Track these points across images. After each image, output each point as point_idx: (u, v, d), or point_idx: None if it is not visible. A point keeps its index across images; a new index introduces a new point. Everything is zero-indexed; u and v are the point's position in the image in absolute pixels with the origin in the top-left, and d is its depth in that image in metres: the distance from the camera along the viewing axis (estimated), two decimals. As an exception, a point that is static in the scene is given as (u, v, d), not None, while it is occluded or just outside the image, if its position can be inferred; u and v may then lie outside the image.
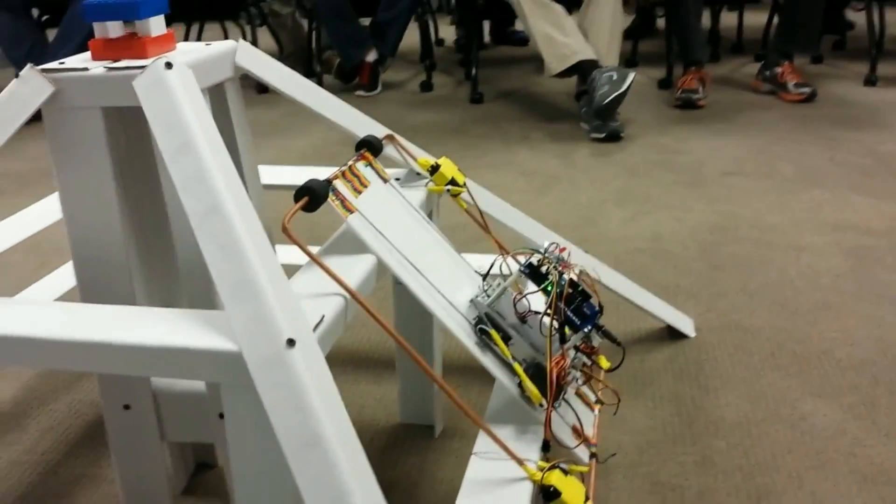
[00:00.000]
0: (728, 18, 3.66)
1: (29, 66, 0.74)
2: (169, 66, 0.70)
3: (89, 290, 0.82)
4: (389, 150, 0.92)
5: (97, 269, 0.81)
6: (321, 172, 0.77)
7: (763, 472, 0.97)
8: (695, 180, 2.01)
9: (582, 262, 1.12)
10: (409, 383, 1.08)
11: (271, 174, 1.07)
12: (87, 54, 0.79)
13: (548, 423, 0.73)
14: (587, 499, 0.69)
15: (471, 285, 0.81)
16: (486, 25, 4.09)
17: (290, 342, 0.60)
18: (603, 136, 2.37)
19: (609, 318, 1.32)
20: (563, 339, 0.74)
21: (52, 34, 2.96)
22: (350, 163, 0.80)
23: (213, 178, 0.66)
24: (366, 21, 3.24)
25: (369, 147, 0.84)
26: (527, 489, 0.68)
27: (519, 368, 0.74)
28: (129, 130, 0.79)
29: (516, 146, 2.37)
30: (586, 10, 2.59)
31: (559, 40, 2.50)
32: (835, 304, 1.36)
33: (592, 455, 0.78)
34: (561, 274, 0.75)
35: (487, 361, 0.76)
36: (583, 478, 0.71)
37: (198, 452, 1.02)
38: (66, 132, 0.76)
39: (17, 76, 0.74)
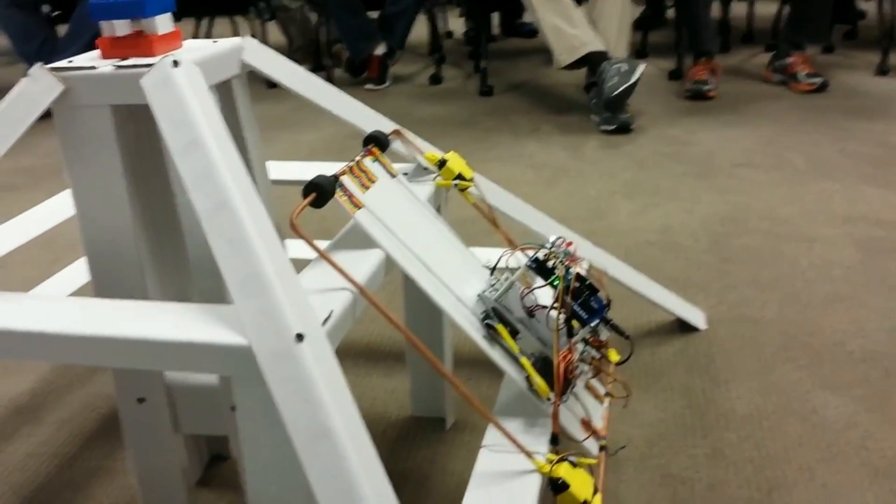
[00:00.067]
0: (738, 8, 3.63)
1: (38, 64, 0.74)
2: (176, 64, 0.71)
3: (102, 285, 0.83)
4: (397, 145, 0.92)
5: (110, 264, 0.82)
6: (330, 167, 0.78)
7: (774, 465, 0.97)
8: (705, 172, 2.00)
9: (590, 256, 1.13)
10: (420, 376, 1.08)
11: (280, 169, 1.08)
12: (96, 52, 0.79)
13: (556, 417, 0.73)
14: (596, 491, 0.69)
15: (479, 280, 0.81)
16: (496, 17, 4.09)
17: (299, 337, 0.61)
18: (612, 128, 2.36)
19: (619, 311, 1.32)
20: (570, 334, 0.74)
21: (62, 30, 2.98)
22: (357, 158, 0.80)
23: (221, 175, 0.66)
24: (374, 14, 3.24)
25: (376, 142, 0.84)
26: (535, 481, 0.68)
27: (526, 362, 0.74)
28: (138, 128, 0.79)
29: (525, 139, 2.36)
30: (595, 1, 2.58)
31: (568, 32, 2.50)
32: (846, 295, 1.35)
33: (602, 448, 0.79)
34: (568, 268, 0.75)
35: (495, 355, 0.76)
36: (592, 470, 0.71)
37: (212, 444, 1.03)
38: (76, 130, 0.77)
39: (26, 73, 0.75)
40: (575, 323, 0.74)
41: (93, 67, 0.75)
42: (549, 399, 0.74)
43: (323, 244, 0.82)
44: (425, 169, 0.95)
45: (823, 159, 2.04)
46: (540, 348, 0.76)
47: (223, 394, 0.85)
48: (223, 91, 0.83)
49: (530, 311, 0.76)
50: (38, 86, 0.74)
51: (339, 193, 0.74)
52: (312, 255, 0.72)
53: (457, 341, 1.13)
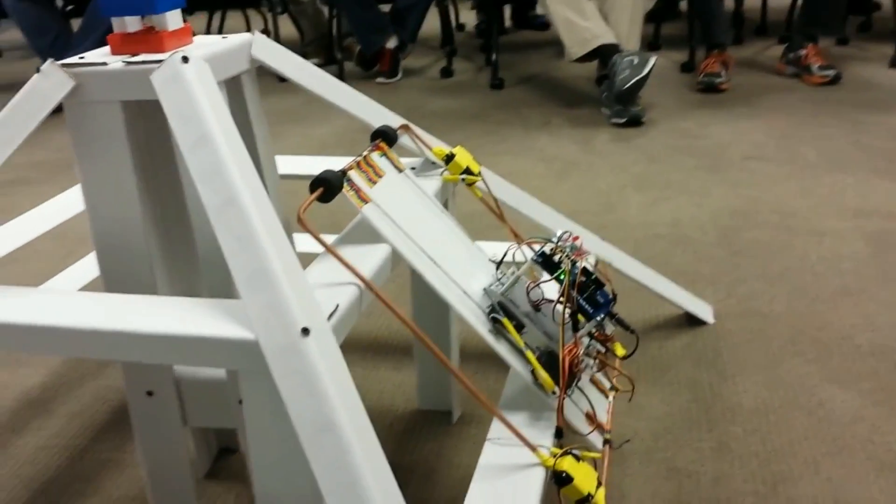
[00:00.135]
0: None
1: (49, 61, 0.75)
2: (185, 60, 0.71)
3: (112, 279, 0.84)
4: (405, 139, 0.92)
5: (119, 259, 0.83)
6: (339, 162, 0.78)
7: (779, 459, 0.97)
8: (716, 165, 1.99)
9: (598, 250, 1.13)
10: (428, 370, 1.09)
11: (289, 164, 1.08)
12: (107, 48, 0.80)
13: (560, 411, 0.74)
14: (599, 484, 0.69)
15: (485, 274, 0.81)
16: (507, 10, 4.08)
17: (305, 331, 0.61)
18: (623, 121, 2.36)
19: (627, 304, 1.32)
20: (575, 328, 0.74)
21: (76, 24, 3.00)
22: (365, 153, 0.81)
23: (229, 171, 0.67)
24: (386, 7, 3.24)
25: (384, 137, 0.85)
26: (539, 475, 0.69)
27: (531, 356, 0.75)
28: (148, 123, 0.80)
29: (536, 132, 2.36)
30: (607, -7, 2.57)
31: (579, 24, 2.49)
32: (856, 289, 1.35)
33: (606, 441, 0.79)
34: (573, 262, 0.75)
35: (501, 349, 0.76)
36: (596, 464, 0.72)
37: (221, 438, 1.04)
38: (87, 126, 0.77)
39: (38, 69, 0.76)
40: (581, 317, 0.75)
41: (103, 64, 0.75)
42: (553, 393, 0.75)
43: (332, 238, 0.83)
44: (433, 163, 0.95)
45: (836, 152, 2.03)
46: (546, 342, 0.77)
47: (231, 387, 0.86)
48: (233, 86, 0.84)
49: (536, 306, 0.77)
50: (50, 82, 0.75)
51: (346, 188, 0.75)
52: (321, 248, 0.73)
53: (464, 335, 1.14)
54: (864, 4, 3.49)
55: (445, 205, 0.94)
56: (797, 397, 1.08)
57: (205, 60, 0.74)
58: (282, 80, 0.89)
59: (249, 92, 0.86)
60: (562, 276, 0.76)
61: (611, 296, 0.77)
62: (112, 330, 0.66)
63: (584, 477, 0.68)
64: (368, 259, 0.77)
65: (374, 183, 0.79)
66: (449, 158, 0.93)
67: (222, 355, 0.65)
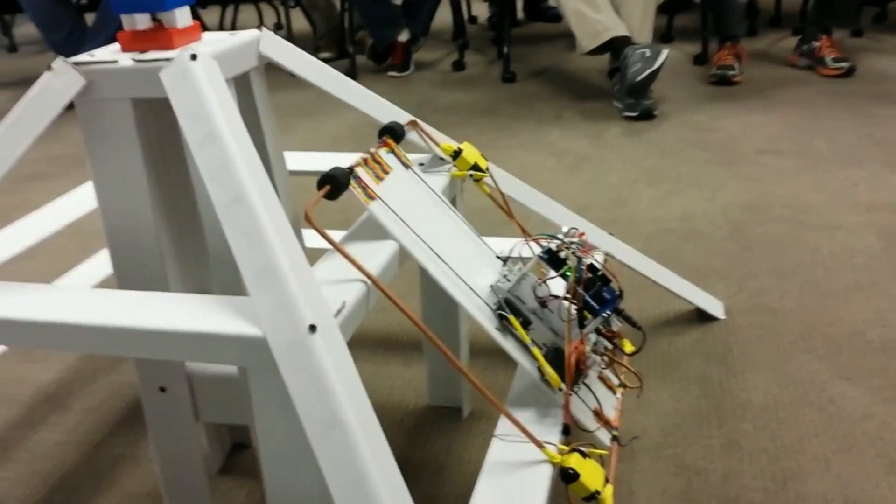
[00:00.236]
0: (766, -9, 3.59)
1: (60, 59, 0.76)
2: (194, 57, 0.72)
3: (125, 275, 0.85)
4: (413, 135, 0.93)
5: (131, 256, 0.83)
6: (347, 158, 0.79)
7: (789, 455, 0.97)
8: (728, 159, 1.98)
9: (606, 246, 1.13)
10: (437, 366, 1.09)
11: (298, 160, 1.09)
12: (117, 45, 0.81)
13: (567, 407, 0.74)
14: (607, 481, 0.70)
15: (492, 270, 0.82)
16: (520, 1, 4.07)
17: (312, 328, 0.62)
18: (635, 114, 2.35)
19: (638, 300, 1.32)
20: (581, 324, 0.74)
21: (90, 18, 3.01)
22: (372, 150, 0.81)
23: (237, 168, 0.68)
24: (398, 1, 3.24)
25: (392, 133, 0.85)
26: (546, 471, 0.69)
27: (538, 353, 0.75)
28: (159, 120, 0.81)
29: (548, 126, 2.36)
30: (619, -14, 2.56)
31: (591, 17, 2.48)
32: (867, 284, 1.34)
33: (614, 438, 0.79)
34: (580, 259, 0.75)
35: (508, 346, 0.77)
36: (603, 461, 0.72)
37: (233, 433, 1.05)
38: (98, 123, 0.78)
39: (49, 66, 0.76)
40: (587, 314, 0.75)
41: (114, 61, 0.76)
42: (560, 389, 0.75)
43: (340, 235, 0.84)
44: (441, 159, 0.95)
45: (849, 146, 2.02)
46: (552, 339, 0.77)
47: (243, 383, 0.86)
48: (241, 83, 0.84)
49: (543, 302, 0.77)
50: (61, 80, 0.76)
51: (353, 185, 0.75)
52: (329, 245, 0.73)
53: (473, 331, 1.14)
54: (879, -5, 3.46)
55: (454, 201, 0.94)
56: (807, 394, 1.08)
57: (213, 58, 0.75)
58: (293, 74, 0.89)
59: (258, 88, 0.86)
60: (568, 273, 0.76)
61: (617, 292, 0.77)
62: (121, 327, 0.66)
63: (590, 473, 0.69)
64: (376, 256, 0.78)
65: (382, 180, 0.79)
66: (456, 154, 0.93)
67: (231, 352, 0.65)
